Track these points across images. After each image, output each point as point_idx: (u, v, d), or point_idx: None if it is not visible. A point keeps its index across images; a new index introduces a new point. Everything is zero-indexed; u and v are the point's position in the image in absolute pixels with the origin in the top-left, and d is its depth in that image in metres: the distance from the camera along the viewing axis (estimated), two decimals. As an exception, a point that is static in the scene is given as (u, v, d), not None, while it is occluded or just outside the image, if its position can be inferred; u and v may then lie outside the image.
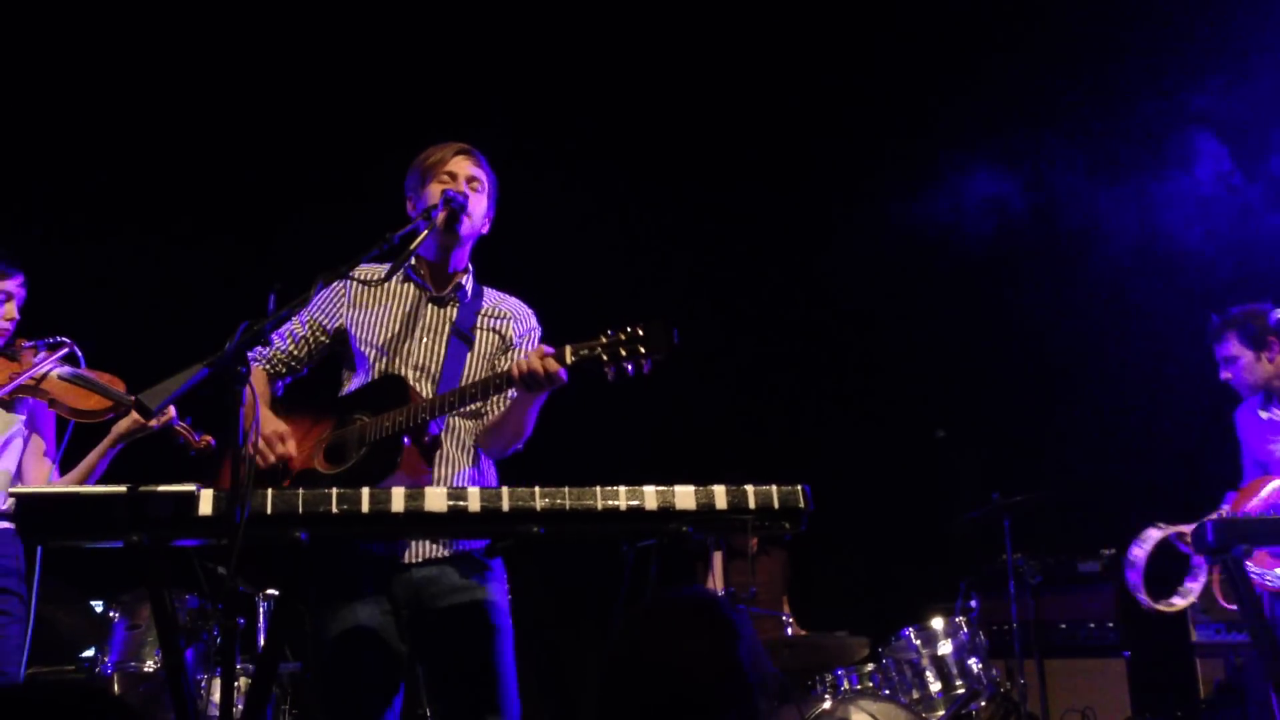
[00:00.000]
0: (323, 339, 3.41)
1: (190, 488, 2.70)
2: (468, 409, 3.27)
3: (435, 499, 2.77)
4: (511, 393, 3.15)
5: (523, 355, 3.03)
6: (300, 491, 2.73)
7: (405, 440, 3.07)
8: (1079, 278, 6.56)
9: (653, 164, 6.97)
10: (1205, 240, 6.08)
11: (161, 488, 2.69)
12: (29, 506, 2.67)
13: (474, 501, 2.78)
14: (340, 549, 3.17)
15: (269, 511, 2.70)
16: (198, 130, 6.58)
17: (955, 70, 6.53)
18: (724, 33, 6.92)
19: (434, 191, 3.32)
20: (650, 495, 2.83)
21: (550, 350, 2.98)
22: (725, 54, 6.96)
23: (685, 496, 2.84)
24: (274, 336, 3.36)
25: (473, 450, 3.33)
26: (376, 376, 3.29)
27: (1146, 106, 6.25)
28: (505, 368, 3.11)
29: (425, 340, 3.33)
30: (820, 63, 6.90)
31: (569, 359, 2.95)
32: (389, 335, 3.32)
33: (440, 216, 3.25)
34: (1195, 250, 6.08)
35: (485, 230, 3.48)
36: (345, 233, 3.50)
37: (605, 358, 2.90)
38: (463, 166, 3.38)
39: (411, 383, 3.24)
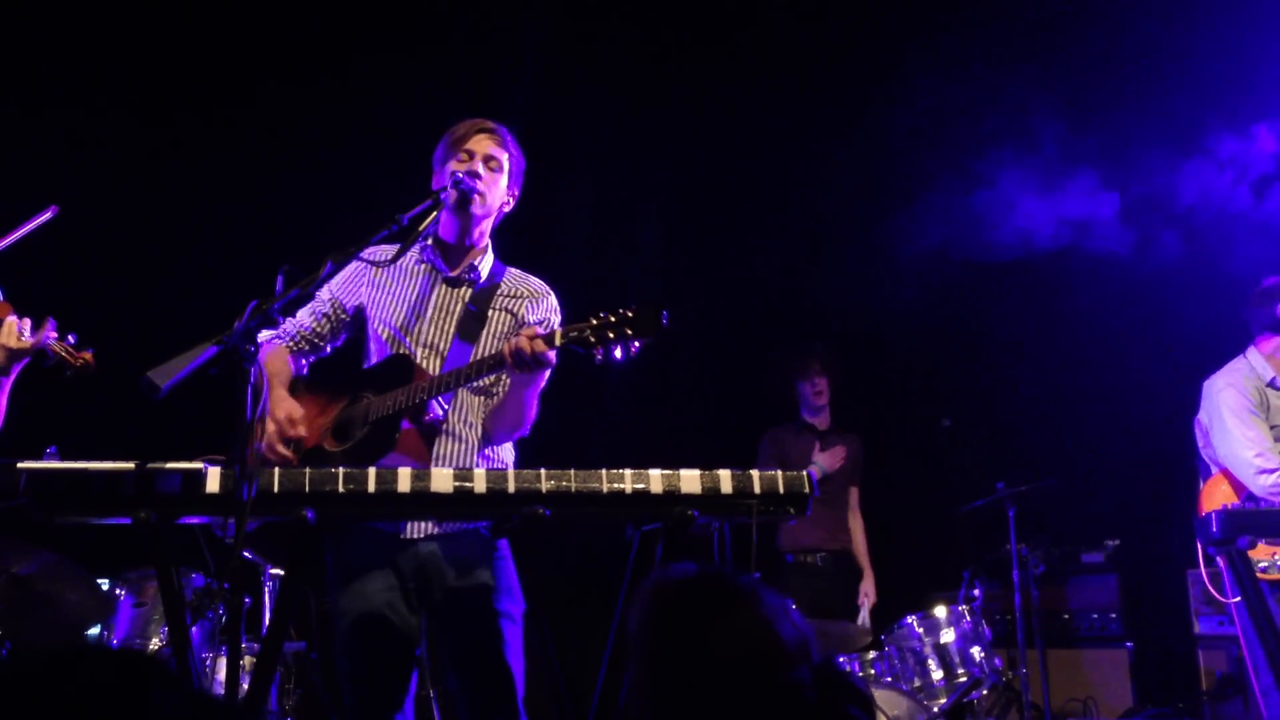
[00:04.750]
0: (343, 317, 3.45)
1: (198, 465, 2.72)
2: (476, 387, 3.29)
3: (441, 480, 2.78)
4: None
5: (515, 336, 3.02)
6: (307, 470, 2.75)
7: (404, 420, 3.10)
8: (1085, 269, 6.54)
9: (667, 147, 6.97)
10: (1212, 234, 6.07)
11: (170, 464, 2.71)
12: (38, 482, 2.68)
13: (480, 483, 2.79)
14: (346, 527, 3.19)
15: (276, 490, 2.72)
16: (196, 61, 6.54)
17: (975, 68, 6.50)
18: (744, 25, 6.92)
19: (450, 170, 3.31)
20: (656, 479, 2.84)
21: (541, 332, 2.99)
22: (743, 49, 6.96)
23: (691, 480, 2.85)
24: (300, 313, 3.41)
25: (480, 426, 3.33)
26: (388, 355, 3.31)
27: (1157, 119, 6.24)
28: (498, 351, 3.10)
29: (436, 319, 3.35)
30: (829, 65, 6.89)
31: (557, 341, 2.95)
32: (402, 315, 3.35)
33: (452, 196, 3.26)
34: (1200, 244, 6.06)
35: (509, 208, 3.48)
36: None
37: (593, 339, 2.90)
38: (482, 145, 3.35)
39: (419, 360, 3.26)
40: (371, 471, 2.76)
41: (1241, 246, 5.76)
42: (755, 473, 2.87)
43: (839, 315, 7.22)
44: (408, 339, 3.33)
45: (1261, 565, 4.30)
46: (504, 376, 3.24)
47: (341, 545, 3.22)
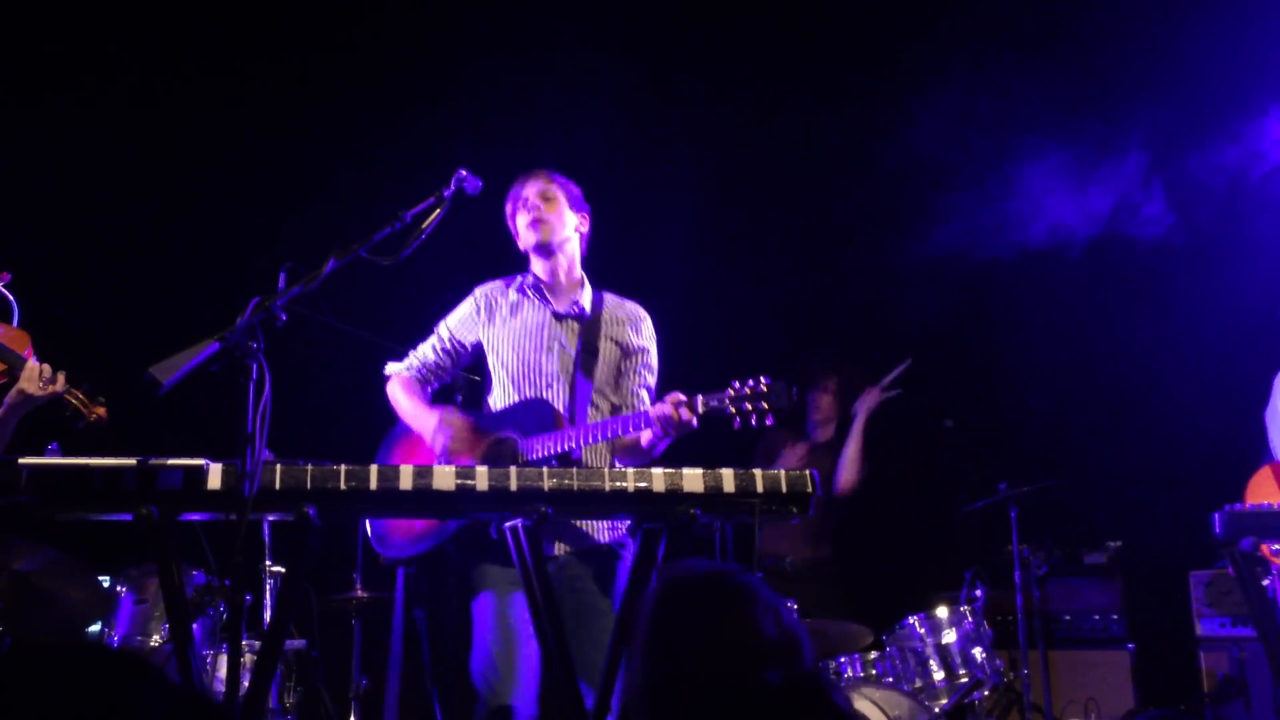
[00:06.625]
0: (462, 351, 3.75)
1: (200, 461, 2.71)
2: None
3: (443, 477, 2.78)
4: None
5: (662, 404, 3.25)
6: (309, 467, 2.75)
7: (554, 464, 3.24)
8: (1088, 269, 6.53)
9: (672, 142, 6.96)
10: (1214, 235, 6.05)
11: (171, 461, 2.70)
12: (39, 478, 2.67)
13: (482, 480, 2.79)
14: (489, 547, 3.24)
15: (277, 487, 2.71)
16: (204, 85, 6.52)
17: (983, 69, 6.49)
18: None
19: (522, 224, 3.64)
20: (658, 477, 2.84)
21: (683, 398, 3.18)
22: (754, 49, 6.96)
23: (693, 479, 2.85)
24: (423, 348, 3.73)
25: (609, 460, 3.53)
26: (516, 393, 3.53)
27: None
28: (644, 410, 3.35)
29: (554, 354, 3.56)
30: (831, 70, 6.89)
31: (700, 409, 3.18)
32: (520, 351, 3.57)
33: (529, 241, 3.61)
34: (1204, 244, 6.05)
35: (584, 230, 3.73)
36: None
37: (732, 410, 3.13)
38: (533, 188, 3.66)
39: (548, 398, 3.45)
40: (373, 469, 2.76)
41: (1246, 245, 5.75)
42: (758, 472, 2.88)
43: (842, 316, 7.22)
44: (529, 374, 3.54)
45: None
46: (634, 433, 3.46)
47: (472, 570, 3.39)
